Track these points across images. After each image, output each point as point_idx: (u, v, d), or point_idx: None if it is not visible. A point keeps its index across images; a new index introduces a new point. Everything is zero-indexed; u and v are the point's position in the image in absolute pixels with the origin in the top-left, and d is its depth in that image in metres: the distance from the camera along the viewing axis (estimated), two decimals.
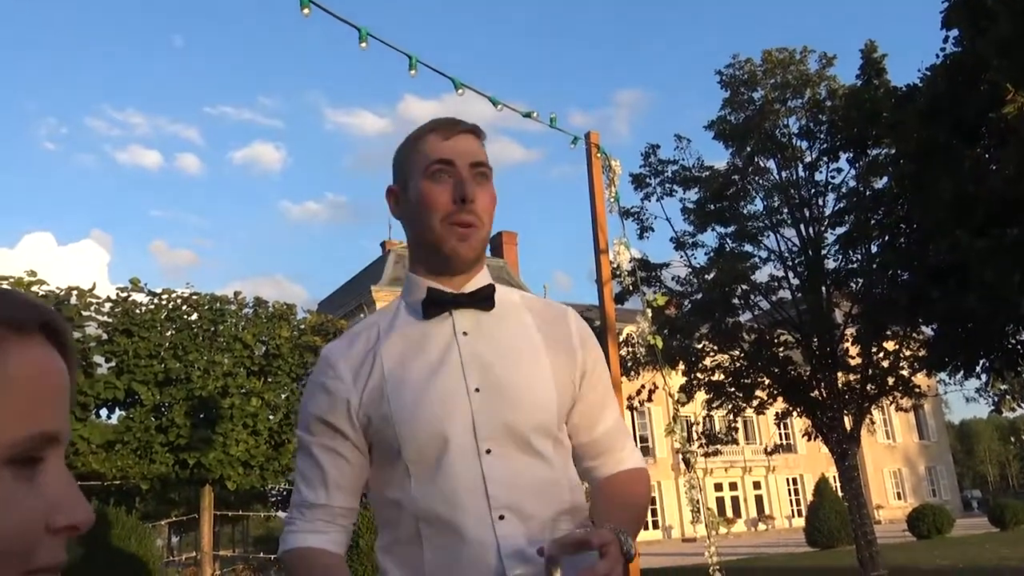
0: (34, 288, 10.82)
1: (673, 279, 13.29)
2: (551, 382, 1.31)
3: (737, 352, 13.04)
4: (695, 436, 13.99)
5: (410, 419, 1.25)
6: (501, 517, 1.22)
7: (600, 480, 1.40)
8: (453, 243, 1.30)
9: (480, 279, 1.36)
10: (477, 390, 1.27)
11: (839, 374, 12.39)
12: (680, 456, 4.96)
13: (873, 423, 13.85)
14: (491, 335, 1.32)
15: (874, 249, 12.15)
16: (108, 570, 8.63)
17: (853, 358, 12.60)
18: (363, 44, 3.76)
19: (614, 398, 1.46)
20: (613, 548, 1.08)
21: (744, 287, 12.81)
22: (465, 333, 1.31)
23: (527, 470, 1.26)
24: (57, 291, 11.42)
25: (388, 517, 1.29)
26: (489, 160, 1.37)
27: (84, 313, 11.63)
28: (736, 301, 12.87)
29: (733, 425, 14.50)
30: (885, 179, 11.91)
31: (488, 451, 1.25)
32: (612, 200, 5.04)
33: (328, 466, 1.31)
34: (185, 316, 12.79)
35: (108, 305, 12.16)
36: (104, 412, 12.40)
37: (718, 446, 13.99)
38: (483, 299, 1.34)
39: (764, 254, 13.05)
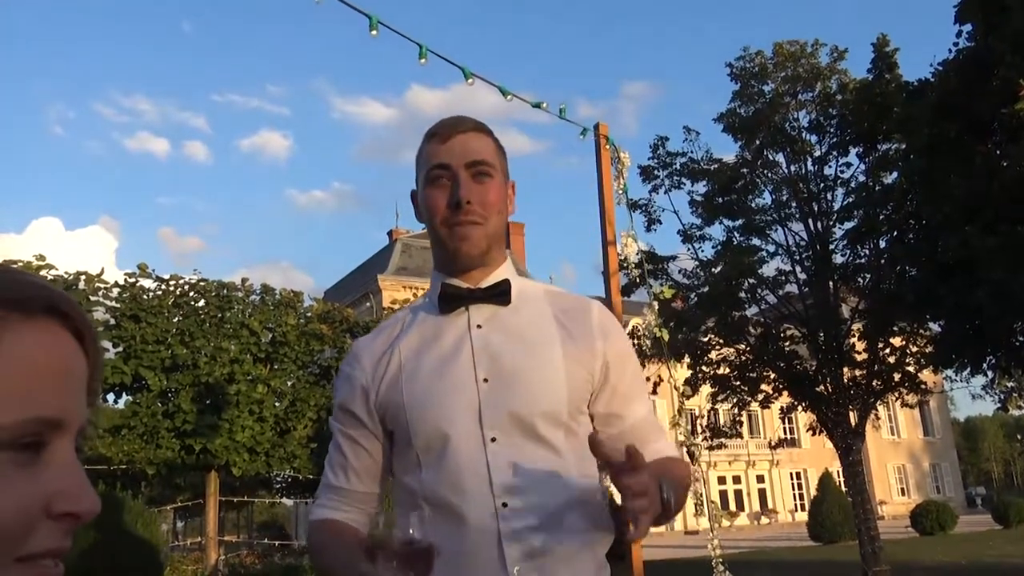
0: (42, 272, 10.85)
1: (680, 272, 13.27)
2: (561, 371, 1.32)
3: (743, 346, 13.02)
4: (699, 429, 13.97)
5: (420, 408, 1.30)
6: (504, 504, 1.24)
7: None
8: (456, 243, 1.33)
9: (499, 273, 1.38)
10: (486, 380, 1.30)
11: (845, 369, 12.36)
12: (684, 449, 4.96)
13: (878, 419, 13.83)
14: (505, 327, 1.35)
15: (882, 244, 12.11)
16: (114, 554, 8.69)
17: (859, 353, 12.57)
18: (374, 32, 3.74)
19: (645, 392, 1.45)
20: (652, 485, 1.07)
21: (751, 281, 12.78)
22: (479, 326, 1.34)
23: (533, 459, 1.27)
24: (65, 276, 11.46)
25: (404, 502, 1.34)
26: (495, 151, 1.39)
27: (92, 298, 11.66)
28: (743, 295, 12.83)
29: (738, 419, 14.48)
30: (895, 174, 11.84)
31: (493, 439, 1.27)
32: (620, 192, 5.01)
33: (348, 453, 1.39)
34: (192, 302, 12.80)
35: (116, 290, 12.18)
36: (111, 397, 12.46)
37: (722, 439, 13.98)
38: (498, 294, 1.36)
39: (772, 248, 13.02)
